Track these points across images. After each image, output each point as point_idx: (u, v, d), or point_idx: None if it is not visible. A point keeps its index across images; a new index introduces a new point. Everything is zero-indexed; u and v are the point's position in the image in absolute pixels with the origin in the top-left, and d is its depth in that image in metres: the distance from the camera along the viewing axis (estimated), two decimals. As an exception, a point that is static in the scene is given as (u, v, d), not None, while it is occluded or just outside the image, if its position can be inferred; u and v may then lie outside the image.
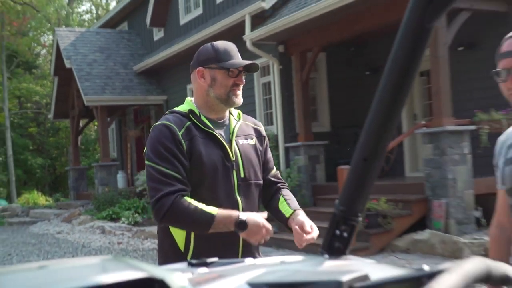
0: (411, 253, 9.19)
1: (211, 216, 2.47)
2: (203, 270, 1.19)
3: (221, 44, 2.74)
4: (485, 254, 8.85)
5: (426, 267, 0.94)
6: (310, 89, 13.04)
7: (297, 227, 2.62)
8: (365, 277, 1.05)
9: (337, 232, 1.33)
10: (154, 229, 13.49)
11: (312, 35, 11.92)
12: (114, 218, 15.78)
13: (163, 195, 2.49)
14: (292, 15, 11.44)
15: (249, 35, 12.35)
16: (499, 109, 10.01)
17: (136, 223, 15.06)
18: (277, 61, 12.74)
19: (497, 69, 2.35)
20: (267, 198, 2.90)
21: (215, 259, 1.30)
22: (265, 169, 2.89)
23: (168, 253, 2.70)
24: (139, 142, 20.68)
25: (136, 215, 15.52)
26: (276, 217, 2.80)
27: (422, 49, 1.10)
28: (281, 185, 2.94)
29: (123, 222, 15.18)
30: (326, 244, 1.34)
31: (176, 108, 2.77)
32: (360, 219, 1.36)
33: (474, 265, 0.91)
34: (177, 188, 2.50)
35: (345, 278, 0.99)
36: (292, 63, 12.70)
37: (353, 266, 1.25)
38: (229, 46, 2.75)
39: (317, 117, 13.78)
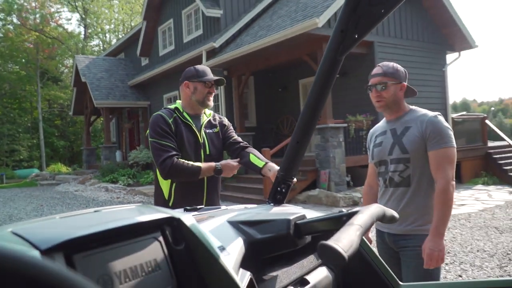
0: (307, 204, 9.29)
1: (199, 168, 2.48)
2: (195, 213, 1.17)
3: (200, 66, 2.74)
4: (353, 204, 9.13)
5: (344, 210, 0.95)
6: (243, 99, 13.00)
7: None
8: (303, 217, 1.06)
9: (279, 188, 1.36)
10: (141, 188, 13.29)
11: (245, 65, 11.89)
12: (114, 181, 15.39)
13: (165, 158, 2.46)
14: (232, 51, 11.39)
15: (205, 64, 12.19)
16: (361, 113, 10.30)
17: (129, 185, 14.72)
18: (223, 81, 12.65)
19: (368, 85, 2.38)
20: (236, 155, 2.79)
21: (202, 206, 1.30)
22: (229, 137, 2.82)
23: (158, 200, 2.68)
24: (131, 132, 20.41)
25: (129, 179, 15.16)
26: (250, 168, 2.67)
27: (335, 72, 1.13)
28: (244, 145, 2.83)
29: (120, 184, 14.81)
30: (271, 196, 1.37)
31: (167, 106, 2.74)
32: (294, 180, 1.39)
33: (376, 208, 0.94)
34: (173, 153, 2.48)
35: (291, 217, 1.01)
36: (232, 82, 12.64)
37: (292, 209, 1.24)
38: (205, 68, 2.75)
39: (248, 117, 13.75)
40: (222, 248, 0.86)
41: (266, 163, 2.58)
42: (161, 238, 0.78)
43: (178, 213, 0.83)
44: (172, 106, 2.72)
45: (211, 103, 2.73)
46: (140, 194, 12.71)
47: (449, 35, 12.31)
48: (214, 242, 0.84)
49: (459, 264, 4.94)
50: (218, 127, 2.79)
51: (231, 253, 0.86)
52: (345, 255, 0.69)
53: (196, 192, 2.63)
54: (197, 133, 2.67)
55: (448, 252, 5.47)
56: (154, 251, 0.75)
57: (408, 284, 1.25)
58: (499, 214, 7.83)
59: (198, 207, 1.26)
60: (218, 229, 0.98)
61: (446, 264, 4.93)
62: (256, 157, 2.66)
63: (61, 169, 25.34)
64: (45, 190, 16.30)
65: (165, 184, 2.65)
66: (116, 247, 0.69)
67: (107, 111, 18.00)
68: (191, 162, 2.50)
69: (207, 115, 2.80)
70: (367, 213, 0.88)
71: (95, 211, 0.84)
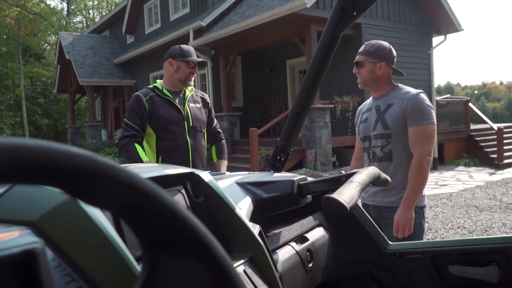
0: (293, 182, 9.43)
1: (141, 161, 2.60)
2: None
3: (185, 46, 2.89)
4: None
5: (343, 171, 1.04)
6: (231, 79, 12.97)
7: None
8: (305, 178, 1.14)
9: (278, 157, 1.42)
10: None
11: (232, 45, 11.82)
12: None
13: (123, 137, 2.70)
14: (220, 31, 11.32)
15: (192, 43, 12.10)
16: (348, 95, 10.40)
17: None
18: (210, 60, 12.56)
19: (354, 61, 2.45)
20: (209, 143, 3.07)
21: (208, 171, 1.37)
22: (209, 123, 3.00)
23: None
24: (116, 110, 20.15)
25: (115, 158, 15.14)
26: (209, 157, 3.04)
27: (334, 48, 1.20)
28: (217, 136, 3.09)
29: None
30: (271, 164, 1.44)
31: (148, 86, 2.89)
32: (292, 149, 1.47)
33: (373, 170, 1.02)
34: (132, 134, 2.67)
35: (294, 178, 1.09)
36: (219, 62, 12.56)
37: (293, 174, 1.31)
38: (190, 48, 2.90)
39: (235, 97, 13.72)
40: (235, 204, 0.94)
41: (218, 160, 3.03)
42: (183, 191, 0.86)
43: (197, 170, 0.90)
44: (151, 85, 2.86)
45: (192, 82, 2.88)
46: (126, 173, 12.74)
47: (436, 18, 12.41)
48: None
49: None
50: (200, 103, 2.94)
51: (242, 208, 0.94)
52: (347, 206, 0.77)
53: (182, 158, 2.76)
54: (180, 107, 2.80)
55: (430, 229, 5.66)
56: (178, 201, 0.82)
57: (397, 243, 1.35)
58: (479, 194, 8.08)
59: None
60: (228, 189, 1.05)
61: (428, 239, 5.12)
62: (215, 152, 3.06)
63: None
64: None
65: (150, 156, 2.78)
66: None
67: (92, 90, 17.76)
68: (141, 153, 2.64)
69: (189, 90, 2.93)
70: (364, 173, 0.96)
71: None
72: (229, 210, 0.86)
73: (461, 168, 12.00)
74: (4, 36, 28.42)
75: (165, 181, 0.83)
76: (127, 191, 0.39)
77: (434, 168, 11.90)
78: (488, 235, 5.32)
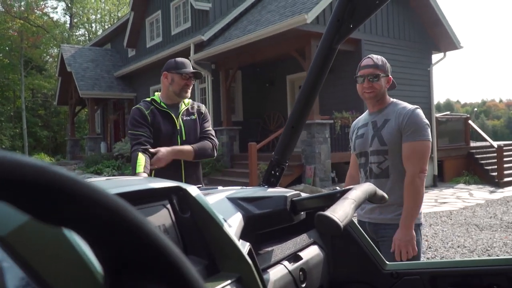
0: (292, 198, 9.35)
1: (136, 172, 2.52)
2: None
3: (180, 59, 2.87)
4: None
5: (338, 188, 1.00)
6: (231, 94, 12.98)
7: None
8: (299, 194, 1.10)
9: (273, 172, 1.38)
10: (126, 181, 13.22)
11: (233, 59, 11.86)
12: (98, 172, 15.21)
13: (133, 146, 2.64)
14: (220, 45, 11.37)
15: (193, 57, 12.15)
16: (348, 110, 10.39)
17: (113, 176, 14.62)
18: (210, 74, 12.59)
19: (358, 75, 2.40)
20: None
21: (200, 185, 1.33)
22: (202, 127, 2.89)
23: None
24: (116, 123, 20.20)
25: (114, 170, 15.06)
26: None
27: (330, 61, 1.17)
28: (203, 137, 2.86)
29: (105, 175, 14.66)
30: (265, 179, 1.39)
31: (145, 99, 2.87)
32: (287, 164, 1.42)
33: (368, 186, 0.98)
34: (138, 142, 2.63)
35: (288, 194, 1.04)
36: (219, 76, 12.60)
37: (286, 190, 1.28)
38: (185, 60, 2.88)
39: (235, 111, 13.72)
40: (224, 220, 0.89)
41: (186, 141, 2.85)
42: (169, 206, 0.82)
43: (184, 184, 0.87)
44: (148, 99, 2.85)
45: (187, 95, 2.84)
46: (124, 186, 12.67)
47: (435, 35, 12.46)
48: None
49: (440, 259, 5.04)
50: (195, 115, 2.89)
51: (231, 225, 0.90)
52: (341, 224, 0.72)
53: (173, 173, 2.71)
54: (175, 120, 2.78)
55: (430, 247, 5.58)
56: (162, 217, 0.80)
57: (395, 263, 1.30)
58: (480, 212, 8.00)
59: (197, 186, 1.30)
60: (218, 204, 1.01)
61: (427, 258, 5.03)
62: None
63: (44, 159, 25.05)
64: (27, 181, 16.08)
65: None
66: None
67: (93, 102, 17.82)
68: (141, 162, 2.55)
69: (185, 103, 2.90)
70: (360, 189, 0.92)
71: (107, 179, 0.87)
72: (216, 227, 0.82)
73: (461, 185, 11.92)
74: (7, 48, 28.69)
75: (150, 195, 0.79)
76: (86, 206, 0.35)
77: (434, 185, 11.83)
78: (489, 254, 5.23)
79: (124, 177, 0.92)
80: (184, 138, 2.77)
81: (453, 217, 7.56)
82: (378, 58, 2.41)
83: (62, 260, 0.50)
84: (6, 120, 28.95)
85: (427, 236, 6.18)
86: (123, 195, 0.71)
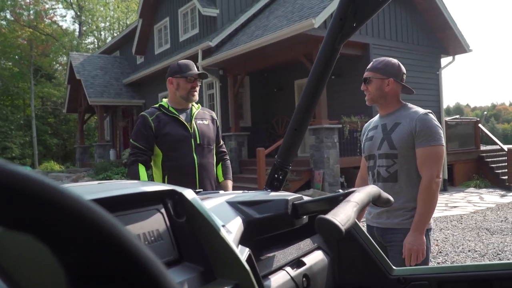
0: (301, 203, 9.31)
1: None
2: None
3: (183, 62, 2.85)
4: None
5: (341, 190, 0.97)
6: (239, 99, 13.01)
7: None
8: (301, 198, 1.07)
9: (276, 175, 1.34)
10: (135, 187, 13.25)
11: (240, 64, 11.90)
12: (107, 179, 15.28)
13: (130, 156, 2.69)
14: (228, 51, 11.41)
15: (201, 63, 12.22)
16: (356, 115, 10.37)
17: (123, 183, 14.69)
18: (218, 80, 12.66)
19: (363, 77, 2.41)
20: (216, 162, 2.97)
21: (200, 190, 1.31)
22: (217, 142, 2.96)
23: None
24: (125, 130, 20.29)
25: (123, 178, 15.11)
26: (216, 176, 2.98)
27: (333, 61, 1.15)
28: (222, 156, 3.02)
29: (114, 182, 14.75)
30: (268, 183, 1.36)
31: (154, 105, 2.86)
32: (290, 167, 1.38)
33: (372, 188, 0.97)
34: (134, 153, 2.67)
35: (289, 197, 1.02)
36: (227, 82, 12.64)
37: (288, 193, 1.23)
38: (188, 62, 2.86)
39: (243, 117, 13.74)
40: (222, 225, 0.87)
41: (225, 180, 2.96)
42: (163, 210, 0.79)
43: (180, 188, 0.84)
44: (157, 105, 2.84)
45: (195, 97, 2.82)
46: (133, 192, 12.72)
47: (443, 39, 12.43)
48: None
49: (451, 263, 5.01)
50: (208, 121, 2.89)
51: (230, 230, 0.87)
52: (342, 228, 0.70)
53: (188, 179, 2.70)
54: (187, 124, 2.75)
55: (440, 252, 5.54)
56: (156, 222, 0.77)
57: (402, 268, 1.28)
58: (490, 216, 7.93)
59: (197, 190, 1.26)
60: (217, 208, 0.98)
61: (438, 263, 5.00)
62: (221, 171, 2.98)
63: (54, 167, 25.18)
64: (37, 188, 16.18)
65: (158, 176, 2.73)
66: (120, 215, 0.71)
67: (102, 109, 17.93)
68: (142, 173, 2.64)
69: (196, 107, 2.89)
70: (363, 192, 0.91)
71: (99, 183, 0.84)
72: (213, 232, 0.79)
73: (471, 189, 11.83)
74: (16, 57, 28.98)
75: (142, 199, 0.76)
76: (48, 209, 0.32)
77: (444, 189, 11.75)
78: (500, 259, 5.19)
79: (116, 181, 0.89)
80: (198, 142, 2.76)
81: (464, 221, 7.51)
82: (378, 60, 2.41)
83: (42, 268, 0.47)
84: (16, 129, 29.19)
85: (437, 240, 6.14)
86: (113, 199, 0.69)
